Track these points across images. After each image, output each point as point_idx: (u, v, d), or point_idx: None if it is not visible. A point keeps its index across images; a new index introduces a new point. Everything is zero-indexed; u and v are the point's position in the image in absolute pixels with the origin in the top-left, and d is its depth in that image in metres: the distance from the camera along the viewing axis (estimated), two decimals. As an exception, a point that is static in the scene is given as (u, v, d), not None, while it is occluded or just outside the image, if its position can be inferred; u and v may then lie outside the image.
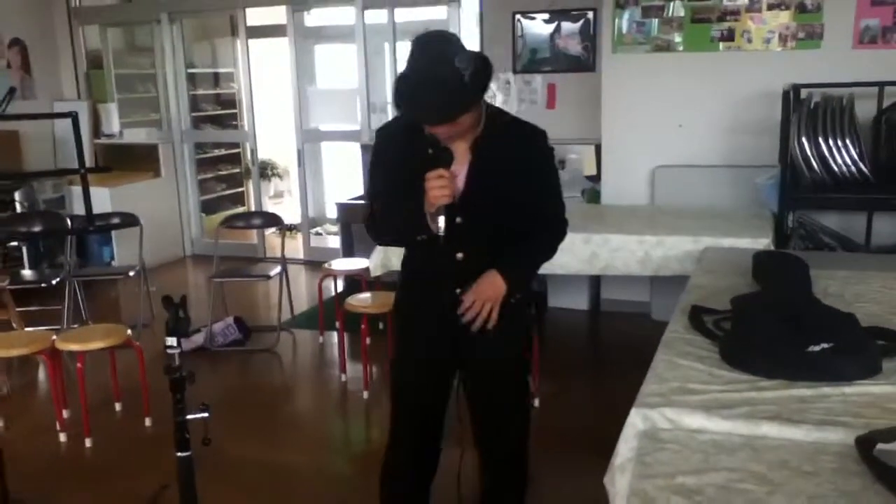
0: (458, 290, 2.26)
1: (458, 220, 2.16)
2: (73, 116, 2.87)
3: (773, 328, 2.45)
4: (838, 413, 2.04)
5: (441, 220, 2.10)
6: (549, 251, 2.41)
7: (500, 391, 2.46)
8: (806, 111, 4.42)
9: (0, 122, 2.69)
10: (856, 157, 4.29)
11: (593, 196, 5.83)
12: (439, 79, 2.02)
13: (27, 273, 5.93)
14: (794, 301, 2.79)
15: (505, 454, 2.54)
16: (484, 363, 2.41)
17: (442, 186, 2.07)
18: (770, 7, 5.06)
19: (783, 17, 5.05)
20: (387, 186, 2.29)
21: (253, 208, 8.11)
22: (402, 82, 2.08)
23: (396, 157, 2.28)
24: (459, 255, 2.25)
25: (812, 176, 4.39)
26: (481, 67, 2.07)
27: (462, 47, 2.08)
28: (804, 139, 4.36)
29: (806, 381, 2.23)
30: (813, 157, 4.35)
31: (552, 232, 2.40)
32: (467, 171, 2.21)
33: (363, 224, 2.41)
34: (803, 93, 4.56)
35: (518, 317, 2.44)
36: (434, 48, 2.07)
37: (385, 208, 2.28)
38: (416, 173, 2.11)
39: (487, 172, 2.22)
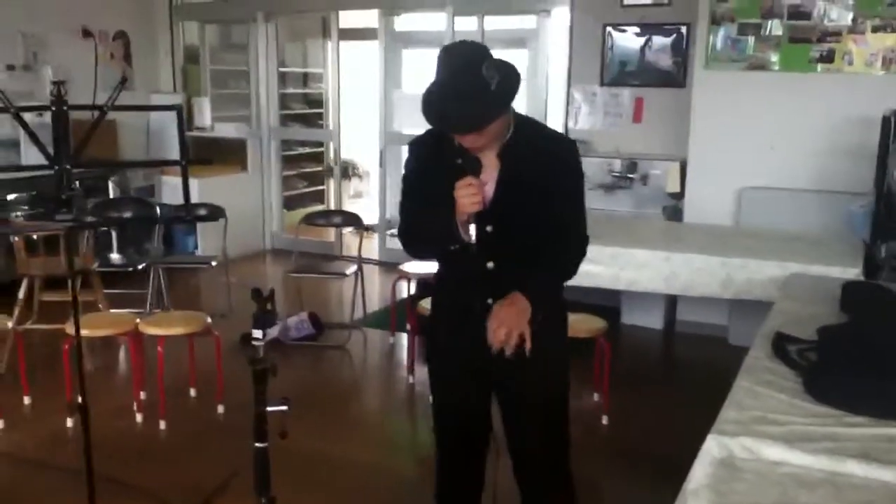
0: (489, 301, 2.19)
1: (489, 228, 2.14)
2: (178, 109, 2.95)
3: (860, 362, 2.35)
4: (930, 456, 1.94)
5: (472, 229, 2.09)
6: (572, 270, 2.31)
7: (535, 415, 2.37)
8: (907, 138, 4.23)
9: (110, 111, 2.77)
10: (959, 188, 4.09)
11: (674, 214, 5.71)
12: (466, 88, 2.01)
13: (115, 257, 6.15)
14: (885, 335, 2.67)
15: (542, 483, 2.44)
16: (517, 384, 2.34)
17: (472, 195, 2.05)
18: (875, 29, 4.88)
19: (889, 41, 4.87)
20: (419, 198, 2.28)
21: (332, 207, 8.25)
22: (430, 92, 2.08)
23: (427, 169, 2.28)
24: (490, 265, 2.21)
25: (910, 206, 4.20)
26: (508, 76, 2.05)
27: (490, 56, 2.06)
28: (903, 167, 4.18)
29: (894, 418, 2.13)
30: (912, 186, 4.16)
31: (571, 248, 2.30)
32: (496, 179, 2.19)
33: (397, 234, 2.40)
34: (905, 119, 4.38)
35: (553, 337, 2.33)
36: (461, 57, 2.06)
37: (418, 219, 2.28)
38: (446, 183, 2.10)
39: (516, 180, 2.19)
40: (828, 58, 5.03)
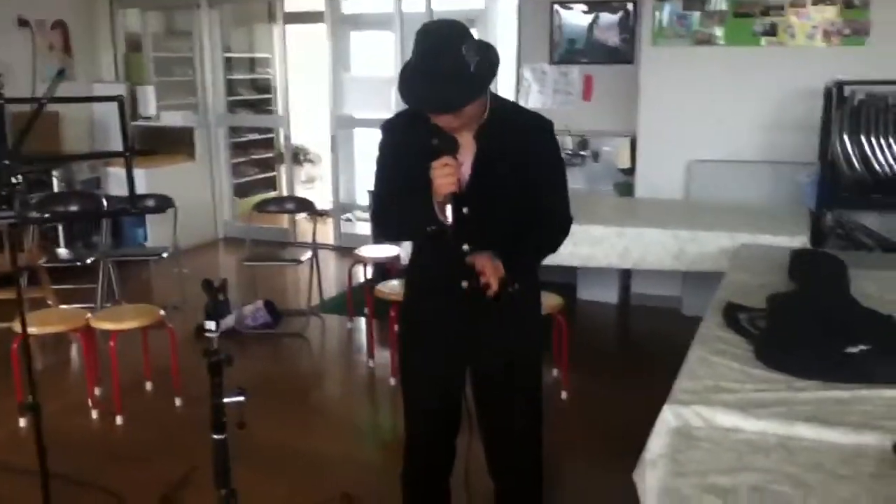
0: (464, 284, 2.19)
1: (465, 210, 2.10)
2: (120, 100, 2.89)
3: (809, 328, 2.42)
4: (876, 416, 2.00)
5: (449, 210, 2.06)
6: (553, 247, 2.33)
7: (509, 395, 2.38)
8: (849, 109, 4.33)
9: (49, 104, 2.69)
10: (899, 156, 4.21)
11: (626, 189, 5.77)
12: (445, 68, 1.98)
13: (62, 252, 6.01)
14: (832, 301, 2.75)
15: (514, 462, 2.46)
16: (491, 364, 2.35)
17: (447, 175, 2.03)
18: (815, 2, 4.96)
19: (829, 13, 4.96)
20: (393, 180, 2.25)
21: (285, 193, 8.16)
22: (407, 71, 2.05)
23: (401, 150, 2.25)
24: (466, 247, 2.18)
25: (853, 175, 4.32)
26: (488, 56, 2.02)
27: (470, 36, 2.04)
28: (846, 137, 4.28)
29: (843, 382, 2.19)
30: (854, 155, 4.27)
31: (556, 226, 2.32)
32: (472, 160, 2.17)
33: (370, 218, 2.37)
34: (846, 90, 4.47)
35: (527, 316, 2.37)
36: (440, 37, 2.03)
37: (392, 201, 2.25)
38: (421, 164, 2.08)
39: (493, 161, 2.18)
40: (771, 31, 5.11)
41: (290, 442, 3.73)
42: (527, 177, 2.21)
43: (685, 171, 5.41)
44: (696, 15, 5.27)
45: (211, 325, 2.20)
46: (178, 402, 4.13)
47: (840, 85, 4.46)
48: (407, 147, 2.22)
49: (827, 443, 1.90)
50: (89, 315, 4.05)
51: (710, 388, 2.17)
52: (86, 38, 7.59)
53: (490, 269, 2.10)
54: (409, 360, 2.48)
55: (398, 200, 2.23)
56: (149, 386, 4.33)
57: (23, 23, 6.85)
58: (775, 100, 5.15)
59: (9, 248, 2.91)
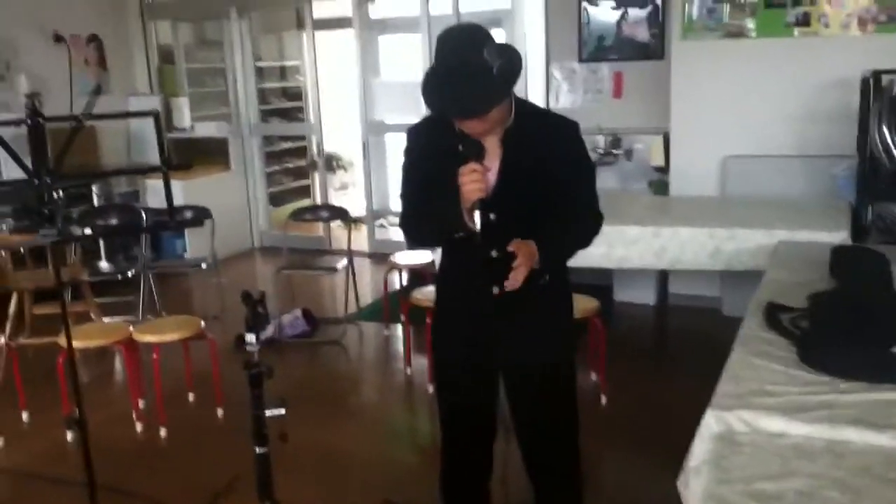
0: (494, 290, 2.18)
1: (492, 216, 2.10)
2: (155, 115, 2.93)
3: (853, 328, 2.37)
4: (925, 418, 1.96)
5: (477, 216, 2.05)
6: (585, 241, 2.33)
7: (542, 398, 2.38)
8: (887, 99, 4.24)
9: (88, 120, 2.75)
10: (941, 146, 4.11)
11: (660, 187, 5.72)
12: (468, 72, 1.98)
13: (104, 265, 6.12)
14: (876, 299, 2.69)
15: (551, 465, 2.45)
16: (523, 368, 2.35)
17: (475, 181, 2.02)
18: (849, -10, 4.87)
19: (863, 0, 4.86)
20: (420, 185, 2.26)
21: (319, 201, 8.22)
22: (430, 77, 2.05)
23: (427, 155, 2.25)
24: (494, 253, 2.17)
25: (893, 167, 4.22)
26: (510, 59, 2.01)
27: (491, 39, 2.03)
28: (885, 128, 4.19)
29: (889, 383, 2.15)
30: (894, 146, 4.18)
31: (588, 221, 2.33)
32: (499, 165, 2.17)
33: (399, 224, 2.38)
34: (884, 80, 4.37)
35: (557, 318, 2.37)
36: (462, 41, 2.03)
37: (420, 207, 2.25)
38: (447, 169, 2.07)
39: (519, 166, 2.17)
40: (804, 21, 5.02)
41: (329, 448, 3.76)
42: (554, 180, 2.20)
43: (720, 167, 5.35)
44: (726, 7, 5.20)
45: (251, 337, 2.23)
46: (220, 412, 4.18)
47: (877, 74, 4.37)
48: (433, 152, 2.23)
49: (875, 446, 1.86)
50: (132, 328, 4.12)
51: (754, 392, 2.15)
52: (120, 52, 7.72)
53: (525, 252, 2.08)
54: (442, 364, 2.50)
55: (425, 206, 2.23)
56: (191, 397, 4.39)
57: (58, 38, 6.99)
58: (810, 92, 5.06)
59: (52, 264, 2.96)
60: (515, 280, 2.10)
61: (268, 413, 2.20)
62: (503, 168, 2.18)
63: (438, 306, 2.47)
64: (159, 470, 3.67)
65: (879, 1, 4.83)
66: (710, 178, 5.38)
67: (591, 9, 6.16)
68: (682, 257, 4.31)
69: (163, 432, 4.00)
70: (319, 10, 7.57)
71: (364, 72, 7.36)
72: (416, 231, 2.36)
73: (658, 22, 5.98)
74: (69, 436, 3.93)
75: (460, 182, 2.04)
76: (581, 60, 6.27)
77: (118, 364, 4.97)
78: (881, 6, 4.83)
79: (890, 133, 4.18)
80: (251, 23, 7.88)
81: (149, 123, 6.02)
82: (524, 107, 2.23)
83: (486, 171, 2.07)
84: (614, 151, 6.09)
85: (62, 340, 3.19)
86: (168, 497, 3.37)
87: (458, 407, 2.47)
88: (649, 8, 6.00)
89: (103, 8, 7.54)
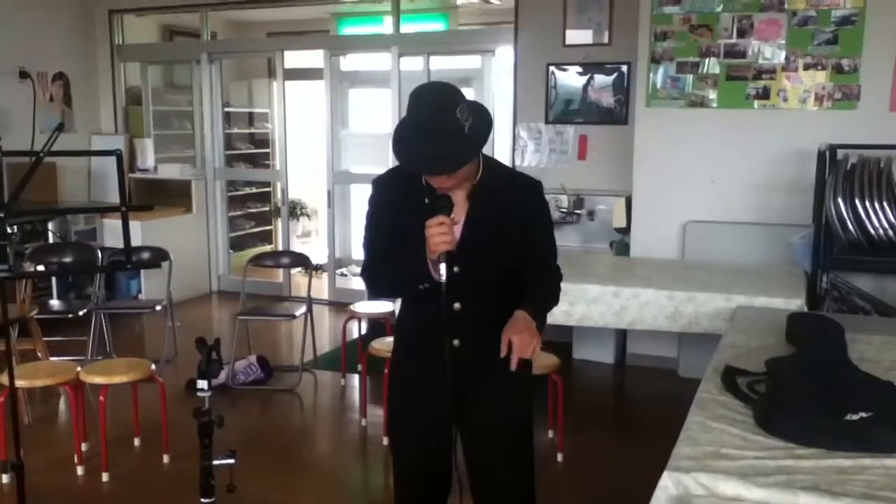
0: (455, 342, 2.20)
1: (455, 269, 2.11)
2: (118, 155, 2.89)
3: (809, 394, 2.39)
4: (880, 486, 1.97)
5: (443, 268, 2.07)
6: (557, 298, 2.37)
7: (500, 456, 2.35)
8: (842, 171, 4.37)
9: (49, 157, 2.71)
10: (893, 220, 4.23)
11: (622, 248, 5.79)
12: (439, 129, 2.01)
13: (55, 303, 5.98)
14: (831, 367, 2.72)
15: None
16: (482, 426, 2.33)
17: (443, 233, 2.04)
18: (807, 67, 5.05)
19: (819, 77, 5.04)
20: (384, 236, 2.26)
21: (280, 247, 8.16)
22: (401, 131, 2.08)
23: (393, 206, 2.26)
24: (457, 306, 2.19)
25: (847, 237, 4.33)
26: (481, 118, 2.06)
27: (462, 98, 2.07)
28: (840, 200, 4.31)
29: (844, 450, 2.16)
30: (849, 218, 4.29)
31: (555, 278, 2.36)
32: (464, 220, 2.19)
33: (360, 275, 2.37)
34: (839, 153, 4.52)
35: (519, 380, 2.32)
36: (435, 98, 2.07)
37: (384, 257, 2.25)
38: (414, 221, 2.09)
39: (484, 222, 2.20)
40: (764, 95, 5.18)
41: (279, 500, 3.65)
42: (518, 236, 2.23)
43: (680, 230, 5.43)
44: (690, 78, 5.35)
45: (203, 384, 2.18)
46: (166, 458, 4.05)
47: (833, 148, 4.51)
48: (398, 203, 2.24)
49: (829, 513, 1.86)
50: (79, 368, 4.00)
51: (711, 455, 2.14)
52: (86, 91, 7.67)
53: (523, 334, 2.11)
54: (397, 417, 2.46)
55: (389, 256, 2.23)
56: (137, 442, 4.25)
57: (24, 75, 6.92)
58: (768, 162, 5.20)
59: (0, 301, 2.88)
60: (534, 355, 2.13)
61: (216, 463, 2.13)
62: (469, 222, 2.19)
63: (396, 355, 2.44)
64: (99, 518, 3.53)
65: (835, 79, 5.01)
66: (671, 241, 5.47)
67: (558, 73, 6.30)
68: (642, 318, 4.33)
69: (105, 478, 3.85)
70: (291, 61, 7.63)
71: (333, 122, 7.40)
72: (379, 280, 2.35)
73: (623, 88, 6.12)
74: (5, 479, 3.77)
75: (427, 234, 2.05)
76: (547, 122, 6.38)
77: (63, 405, 4.82)
78: (837, 84, 5.01)
79: (844, 205, 4.29)
80: (221, 68, 7.90)
81: (111, 163, 5.97)
82: (491, 164, 2.27)
83: (454, 224, 2.09)
84: (577, 211, 6.16)
85: (4, 379, 3.08)
86: (107, 547, 3.24)
87: (412, 459, 2.42)
88: (615, 75, 6.15)
89: (73, 47, 7.52)
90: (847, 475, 2.03)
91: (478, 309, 2.20)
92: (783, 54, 5.09)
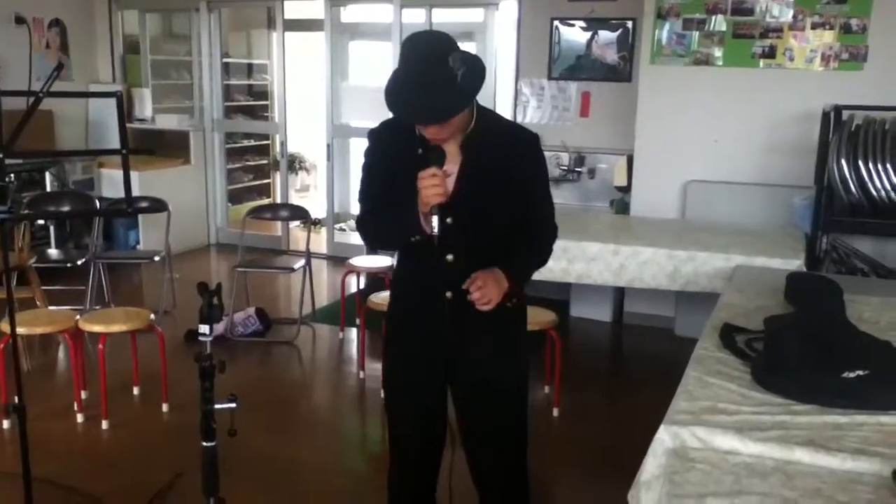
0: (448, 294, 2.20)
1: (449, 220, 2.10)
2: (118, 96, 2.84)
3: (807, 352, 2.39)
4: (874, 442, 1.98)
5: (435, 220, 2.05)
6: (544, 256, 2.35)
7: (492, 411, 2.35)
8: (847, 133, 4.34)
9: (45, 99, 2.67)
10: (895, 182, 4.21)
11: (622, 207, 5.77)
12: (431, 79, 1.98)
13: (53, 252, 5.96)
14: (829, 325, 2.73)
15: (498, 476, 2.42)
16: (476, 382, 2.32)
17: (435, 185, 2.02)
18: (814, 26, 4.98)
19: (827, 37, 4.98)
20: (379, 188, 2.25)
21: (279, 200, 8.13)
22: (393, 82, 2.05)
23: (388, 158, 2.24)
24: (450, 257, 2.18)
25: (849, 199, 4.32)
26: (474, 68, 2.02)
27: (455, 47, 2.04)
28: (843, 161, 4.28)
29: (840, 407, 2.18)
30: (851, 179, 4.27)
31: (545, 236, 2.34)
32: (458, 171, 2.17)
33: (356, 225, 2.37)
34: (844, 114, 4.49)
35: (513, 333, 2.35)
36: (426, 48, 2.03)
37: (378, 210, 2.25)
38: (408, 173, 2.07)
39: (478, 172, 2.17)
40: (770, 54, 5.12)
41: (277, 452, 3.68)
42: (512, 187, 2.21)
43: (681, 190, 5.42)
44: (695, 35, 5.28)
45: (205, 328, 2.17)
46: (165, 408, 4.08)
47: (838, 109, 4.48)
48: (393, 155, 2.22)
49: (825, 468, 1.88)
50: (78, 317, 4.01)
51: (708, 409, 2.15)
52: (83, 39, 7.56)
53: (492, 285, 2.11)
54: (392, 370, 2.46)
55: (383, 209, 2.22)
56: (136, 391, 4.28)
57: (20, 20, 6.82)
58: (772, 122, 5.16)
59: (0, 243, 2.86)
60: (487, 307, 2.12)
61: (218, 406, 2.14)
62: (462, 173, 2.17)
63: (393, 307, 2.44)
64: (99, 465, 3.56)
65: (842, 39, 4.95)
66: (672, 200, 5.45)
67: (562, 28, 6.22)
68: (641, 276, 4.34)
69: (105, 426, 3.88)
70: (291, 11, 7.51)
71: (333, 75, 7.31)
72: (373, 232, 2.35)
73: (628, 45, 6.05)
74: (6, 424, 3.80)
75: (420, 186, 2.03)
76: (550, 78, 6.32)
77: (62, 354, 4.84)
78: (844, 44, 4.95)
79: (847, 166, 4.27)
80: (220, 18, 7.78)
81: (109, 111, 5.92)
82: (485, 114, 2.23)
83: (445, 176, 2.07)
84: (578, 169, 6.13)
85: (5, 326, 3.09)
86: (107, 493, 3.27)
87: (406, 412, 2.43)
88: (619, 31, 6.07)
89: (70, -7, 7.39)
90: (842, 431, 2.05)
91: (471, 261, 2.18)
92: (791, 13, 5.02)
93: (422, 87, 1.99)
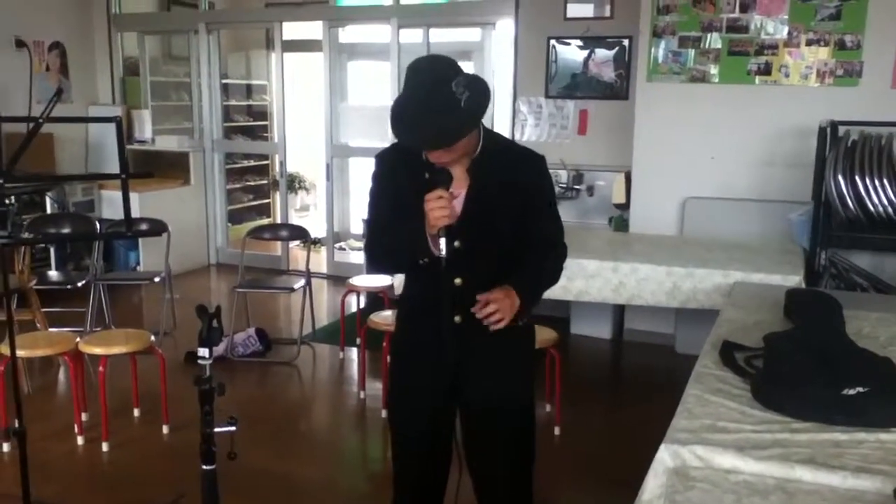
0: (456, 318, 2.19)
1: (457, 244, 2.11)
2: (118, 122, 2.87)
3: (806, 369, 2.40)
4: (875, 460, 1.98)
5: (443, 243, 2.06)
6: (555, 275, 2.35)
7: (500, 435, 2.33)
8: (843, 148, 4.36)
9: (45, 124, 2.69)
10: (893, 197, 4.23)
11: (620, 224, 5.79)
12: (436, 104, 1.99)
13: (53, 274, 5.97)
14: (829, 342, 2.73)
15: (504, 500, 2.40)
16: (483, 406, 2.32)
17: (441, 207, 2.03)
18: (809, 43, 5.02)
19: (822, 53, 5.01)
20: (386, 211, 2.25)
21: (279, 220, 8.15)
22: (398, 107, 2.05)
23: (395, 180, 2.24)
24: (458, 281, 2.18)
25: (847, 214, 4.33)
26: (478, 91, 2.02)
27: (459, 71, 2.04)
28: (840, 176, 4.30)
29: (840, 425, 2.18)
30: (848, 195, 4.29)
31: (556, 256, 2.34)
32: (465, 194, 2.17)
33: (363, 249, 2.37)
34: (841, 130, 4.51)
35: (520, 356, 2.34)
36: (431, 73, 2.04)
37: (385, 232, 2.24)
38: (414, 196, 2.08)
39: (485, 195, 2.18)
40: (765, 70, 5.15)
41: (279, 471, 3.67)
42: (519, 210, 2.21)
43: (679, 207, 5.43)
44: (691, 52, 5.32)
45: (204, 352, 2.17)
46: (165, 429, 4.07)
47: (834, 125, 4.50)
48: (400, 178, 2.22)
49: (826, 486, 1.88)
50: (78, 339, 4.01)
51: (708, 428, 2.15)
52: (83, 61, 7.61)
53: (505, 302, 2.11)
54: (397, 392, 2.45)
55: (391, 231, 2.22)
56: (136, 412, 4.27)
57: (20, 44, 6.86)
58: (769, 138, 5.18)
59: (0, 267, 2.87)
60: (498, 325, 2.11)
61: (217, 430, 2.14)
62: (470, 196, 2.17)
63: (398, 331, 2.43)
64: (99, 487, 3.56)
65: (837, 55, 4.99)
66: (670, 217, 5.46)
67: (559, 47, 6.26)
68: (640, 293, 4.35)
69: (105, 447, 3.87)
70: (289, 32, 7.56)
71: (331, 95, 7.35)
72: (381, 255, 2.34)
73: (624, 63, 6.09)
74: (6, 447, 3.79)
75: (427, 208, 2.04)
76: (548, 96, 6.35)
77: (62, 376, 4.83)
78: (839, 60, 4.98)
79: (844, 181, 4.29)
80: (219, 39, 7.83)
81: (109, 133, 5.91)
82: (492, 137, 2.24)
83: (452, 199, 2.08)
84: (576, 187, 6.15)
85: (5, 348, 3.09)
86: (107, 515, 3.26)
87: (410, 434, 2.41)
88: (616, 49, 6.11)
89: (69, 16, 7.44)
90: (842, 448, 2.04)
91: (480, 284, 2.16)
92: (785, 29, 5.06)
93: (426, 111, 2.00)
